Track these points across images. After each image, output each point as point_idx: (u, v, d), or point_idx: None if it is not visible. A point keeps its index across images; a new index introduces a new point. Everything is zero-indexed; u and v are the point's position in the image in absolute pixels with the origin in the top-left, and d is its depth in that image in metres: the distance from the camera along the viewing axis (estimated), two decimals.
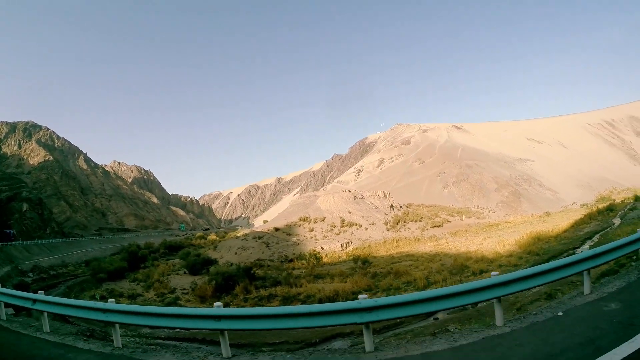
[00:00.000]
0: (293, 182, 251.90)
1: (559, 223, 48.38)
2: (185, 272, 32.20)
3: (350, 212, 50.85)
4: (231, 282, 21.44)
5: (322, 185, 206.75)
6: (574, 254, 27.86)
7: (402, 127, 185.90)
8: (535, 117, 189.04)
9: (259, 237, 42.34)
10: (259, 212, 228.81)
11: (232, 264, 35.32)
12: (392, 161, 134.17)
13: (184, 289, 24.91)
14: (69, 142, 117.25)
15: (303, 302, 19.45)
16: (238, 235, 49.82)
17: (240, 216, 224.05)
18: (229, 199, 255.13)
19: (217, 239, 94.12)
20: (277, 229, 45.55)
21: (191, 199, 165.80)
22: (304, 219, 48.04)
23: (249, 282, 21.19)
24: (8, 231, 48.43)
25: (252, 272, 23.28)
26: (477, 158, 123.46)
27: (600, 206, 62.67)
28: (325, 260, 34.50)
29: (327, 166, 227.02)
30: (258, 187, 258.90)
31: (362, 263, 25.09)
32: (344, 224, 47.66)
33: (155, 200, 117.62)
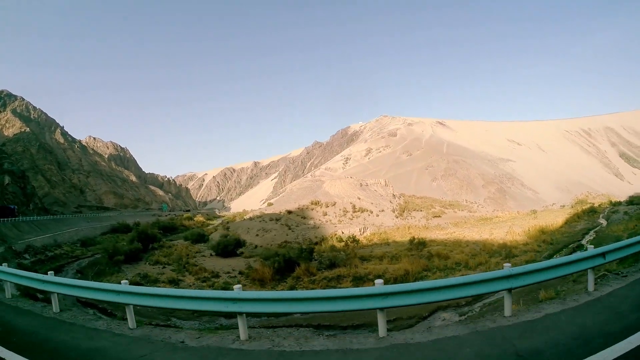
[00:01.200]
0: (271, 166, 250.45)
1: (551, 220, 51.81)
2: (212, 254, 31.54)
3: (359, 199, 51.87)
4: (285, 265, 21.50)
5: (302, 172, 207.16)
6: (580, 244, 30.70)
7: (388, 119, 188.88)
8: (515, 120, 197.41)
9: (277, 219, 42.48)
10: (234, 196, 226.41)
11: (256, 246, 35.36)
12: (380, 152, 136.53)
13: (229, 273, 24.25)
14: (45, 114, 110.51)
15: (373, 281, 20.28)
16: (247, 216, 49.49)
17: (215, 199, 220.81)
18: (203, 180, 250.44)
19: (205, 220, 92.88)
20: (290, 212, 45.78)
21: (168, 178, 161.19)
22: (316, 203, 48.53)
23: (309, 264, 21.42)
24: (12, 207, 45.75)
25: (312, 253, 23.40)
26: (462, 154, 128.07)
27: (583, 208, 67.62)
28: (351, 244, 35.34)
29: (307, 153, 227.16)
30: (234, 170, 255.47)
31: (417, 245, 25.95)
32: (356, 210, 48.64)
33: (133, 178, 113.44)
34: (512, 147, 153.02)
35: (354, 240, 29.40)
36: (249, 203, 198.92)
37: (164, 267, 26.55)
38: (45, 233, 43.10)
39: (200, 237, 41.83)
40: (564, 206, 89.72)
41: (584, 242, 32.11)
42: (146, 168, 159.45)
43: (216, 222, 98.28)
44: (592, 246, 6.96)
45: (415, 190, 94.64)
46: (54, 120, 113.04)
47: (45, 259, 33.70)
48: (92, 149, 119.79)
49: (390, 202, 56.46)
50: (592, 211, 60.05)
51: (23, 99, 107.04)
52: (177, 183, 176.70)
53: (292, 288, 19.14)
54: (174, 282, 21.09)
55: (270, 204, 53.46)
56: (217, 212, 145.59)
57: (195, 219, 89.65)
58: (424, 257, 26.67)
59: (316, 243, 35.79)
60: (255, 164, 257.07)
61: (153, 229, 58.03)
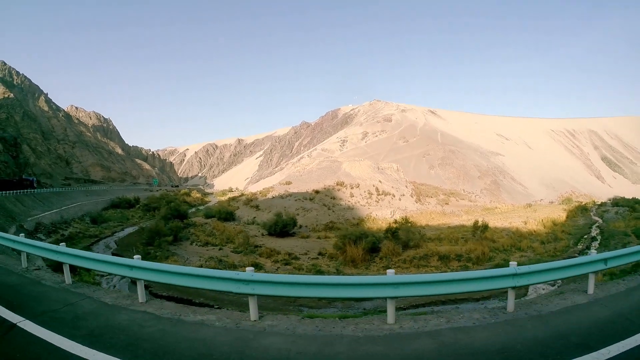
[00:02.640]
0: (255, 144, 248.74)
1: (550, 215, 56.42)
2: (263, 234, 31.31)
3: (380, 182, 54.09)
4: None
5: (290, 152, 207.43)
6: (593, 236, 34.90)
7: (381, 104, 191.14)
8: (503, 115, 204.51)
9: (310, 199, 43.98)
10: (217, 173, 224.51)
11: (300, 226, 36.61)
12: (376, 136, 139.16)
13: (306, 254, 23.77)
14: (29, 80, 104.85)
15: (455, 260, 22.67)
16: (270, 195, 50.56)
17: (196, 175, 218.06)
18: (185, 156, 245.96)
19: (202, 197, 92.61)
20: (317, 192, 47.39)
21: (152, 152, 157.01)
22: (341, 184, 50.34)
23: (394, 244, 23.24)
24: (31, 178, 43.94)
25: (396, 233, 25.06)
26: (456, 145, 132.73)
27: (576, 205, 73.37)
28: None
29: (295, 132, 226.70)
30: (216, 146, 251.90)
31: (482, 229, 28.38)
32: (380, 193, 50.91)
33: (119, 151, 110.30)
34: (500, 142, 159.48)
35: (407, 221, 31.35)
36: (234, 181, 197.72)
37: (220, 249, 25.00)
38: (50, 208, 41.63)
39: (229, 215, 41.87)
40: (552, 202, 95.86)
41: (593, 233, 36.45)
42: (127, 141, 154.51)
43: (211, 198, 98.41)
44: (595, 251, 7.45)
45: (413, 176, 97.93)
46: (38, 86, 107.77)
47: (62, 239, 31.65)
48: (77, 119, 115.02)
49: (405, 187, 59.08)
50: (584, 209, 65.77)
51: (5, 63, 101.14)
52: (162, 157, 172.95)
53: (386, 267, 21.10)
54: (258, 267, 19.47)
55: (288, 182, 54.63)
56: (202, 188, 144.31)
57: (192, 195, 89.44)
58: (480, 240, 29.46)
59: (357, 224, 37.79)
60: (239, 141, 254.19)
61: (155, 204, 57.89)
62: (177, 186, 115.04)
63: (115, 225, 40.97)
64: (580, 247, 32.37)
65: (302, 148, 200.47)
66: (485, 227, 28.89)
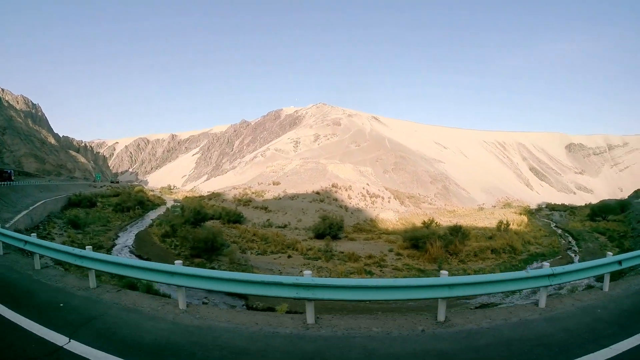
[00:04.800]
0: (190, 141, 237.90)
1: (507, 216, 64.59)
2: (310, 237, 30.72)
3: (368, 185, 56.81)
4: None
5: (231, 150, 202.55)
6: (558, 234, 41.64)
7: (327, 108, 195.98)
8: (439, 125, 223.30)
9: (320, 200, 44.78)
10: (149, 169, 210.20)
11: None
12: (328, 139, 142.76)
13: (370, 257, 23.32)
14: None
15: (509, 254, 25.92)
16: (266, 196, 50.18)
17: (127, 170, 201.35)
18: (114, 149, 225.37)
19: (159, 196, 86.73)
20: (317, 193, 48.37)
21: (85, 144, 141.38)
22: (335, 186, 51.89)
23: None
24: (8, 171, 38.04)
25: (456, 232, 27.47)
26: (404, 151, 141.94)
27: (522, 209, 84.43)
28: (395, 227, 40.22)
29: (235, 131, 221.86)
30: (148, 141, 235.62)
31: (505, 227, 32.03)
32: (370, 195, 53.51)
33: (52, 141, 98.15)
34: (439, 150, 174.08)
35: (432, 222, 34.09)
36: (169, 178, 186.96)
37: (289, 257, 23.61)
38: (17, 209, 36.33)
39: (239, 218, 39.84)
40: (494, 206, 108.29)
41: (558, 232, 43.76)
42: (56, 130, 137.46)
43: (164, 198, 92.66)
44: (611, 253, 7.99)
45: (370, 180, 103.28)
46: None
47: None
48: (7, 102, 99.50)
49: (385, 189, 62.62)
50: (530, 212, 76.39)
51: None
52: (95, 150, 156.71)
53: (461, 262, 23.52)
54: (371, 274, 19.32)
55: (277, 183, 54.71)
56: (142, 185, 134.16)
57: (148, 193, 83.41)
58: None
59: (374, 225, 39.74)
60: (173, 136, 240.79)
61: (129, 203, 53.49)
62: (117, 182, 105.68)
63: (105, 231, 36.90)
64: (564, 242, 38.73)
65: (244, 147, 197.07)
66: (508, 225, 32.78)
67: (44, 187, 62.14)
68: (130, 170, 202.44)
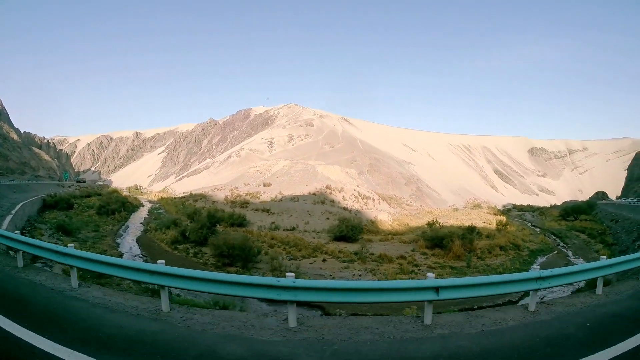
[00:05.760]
0: (156, 139, 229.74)
1: (484, 216, 68.60)
2: (331, 240, 31.00)
3: (358, 186, 58.22)
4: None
5: (199, 149, 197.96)
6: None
7: (299, 108, 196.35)
8: (406, 127, 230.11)
9: (321, 202, 45.39)
10: (113, 168, 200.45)
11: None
12: (302, 140, 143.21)
13: (402, 257, 24.31)
14: None
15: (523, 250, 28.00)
16: (263, 197, 50.13)
17: (89, 169, 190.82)
18: (76, 147, 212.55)
19: (131, 195, 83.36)
20: (314, 194, 49.04)
21: (47, 141, 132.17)
22: (329, 187, 52.81)
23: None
24: None
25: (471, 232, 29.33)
26: (376, 153, 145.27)
27: (496, 209, 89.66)
28: (399, 228, 41.83)
29: (202, 129, 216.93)
30: (111, 138, 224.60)
31: (504, 227, 34.31)
32: (362, 197, 54.91)
33: (14, 136, 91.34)
34: (408, 152, 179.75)
35: (435, 222, 35.93)
36: (135, 178, 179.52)
37: (324, 260, 23.88)
38: None
39: (242, 221, 38.92)
40: (465, 207, 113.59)
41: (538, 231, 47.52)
42: (16, 125, 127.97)
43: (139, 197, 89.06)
44: (605, 256, 8.15)
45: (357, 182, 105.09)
46: None
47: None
48: None
49: (373, 191, 64.36)
50: (502, 213, 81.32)
51: None
52: (57, 148, 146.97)
53: (479, 259, 25.29)
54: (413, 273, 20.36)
55: (268, 184, 54.82)
56: (107, 185, 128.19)
57: (122, 193, 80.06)
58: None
59: (377, 227, 41.01)
60: (137, 134, 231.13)
61: (113, 205, 51.02)
62: (84, 182, 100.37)
63: (99, 237, 34.06)
64: (550, 240, 42.12)
65: (213, 146, 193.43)
66: (506, 225, 35.26)
67: (16, 187, 58.09)
68: (93, 169, 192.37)
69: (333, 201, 48.49)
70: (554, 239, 41.64)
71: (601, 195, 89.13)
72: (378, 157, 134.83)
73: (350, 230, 31.33)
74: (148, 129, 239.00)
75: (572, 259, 30.62)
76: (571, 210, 56.53)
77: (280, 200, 46.42)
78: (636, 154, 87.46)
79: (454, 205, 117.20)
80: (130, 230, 41.25)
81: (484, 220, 53.02)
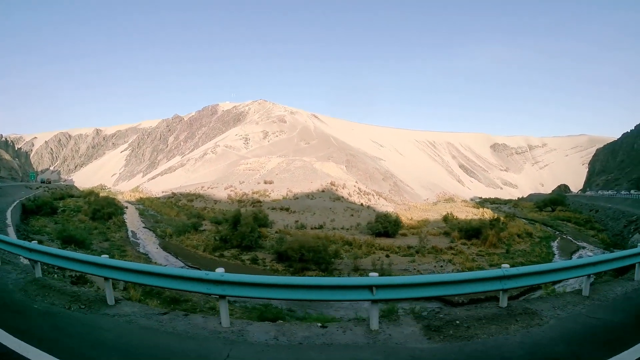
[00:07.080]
0: (117, 136, 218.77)
1: (469, 209, 73.55)
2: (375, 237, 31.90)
3: (357, 182, 60.25)
4: None
5: (166, 146, 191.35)
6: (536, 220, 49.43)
7: (269, 105, 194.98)
8: (372, 124, 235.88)
9: (337, 199, 46.69)
10: (73, 167, 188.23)
11: (350, 227, 39.26)
12: (277, 136, 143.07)
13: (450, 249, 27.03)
14: None
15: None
16: (274, 196, 50.60)
17: (48, 168, 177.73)
18: (33, 145, 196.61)
19: (111, 195, 79.78)
20: (323, 191, 50.37)
21: (5, 139, 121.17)
22: (333, 184, 54.36)
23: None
24: None
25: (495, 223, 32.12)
26: (350, 149, 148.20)
27: (472, 204, 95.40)
28: (411, 222, 44.34)
29: (167, 126, 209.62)
30: (70, 136, 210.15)
31: (512, 217, 37.55)
32: (362, 192, 56.99)
33: None
34: (377, 148, 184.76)
35: (450, 215, 38.60)
36: (98, 177, 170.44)
37: (387, 256, 24.61)
38: None
39: (264, 221, 37.19)
40: (439, 201, 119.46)
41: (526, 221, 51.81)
42: None
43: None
44: (591, 253, 10.96)
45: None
46: None
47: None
48: None
49: (367, 187, 66.71)
50: (479, 205, 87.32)
51: None
52: (16, 146, 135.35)
53: (509, 247, 28.06)
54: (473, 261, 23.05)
55: (270, 182, 55.44)
56: (72, 185, 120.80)
57: (86, 192, 76.41)
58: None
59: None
60: (97, 131, 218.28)
61: (108, 209, 48.30)
62: (49, 182, 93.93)
63: (118, 247, 30.01)
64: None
65: (181, 143, 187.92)
66: (514, 216, 38.78)
67: None
68: (52, 168, 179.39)
69: (338, 198, 50.06)
70: (547, 228, 45.96)
71: (564, 188, 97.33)
72: (353, 153, 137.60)
73: (393, 225, 32.83)
74: (108, 126, 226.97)
75: (578, 243, 34.38)
76: (549, 202, 61.99)
77: (296, 198, 47.20)
78: (596, 150, 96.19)
79: (427, 199, 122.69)
80: (140, 237, 38.92)
81: (474, 213, 56.95)
